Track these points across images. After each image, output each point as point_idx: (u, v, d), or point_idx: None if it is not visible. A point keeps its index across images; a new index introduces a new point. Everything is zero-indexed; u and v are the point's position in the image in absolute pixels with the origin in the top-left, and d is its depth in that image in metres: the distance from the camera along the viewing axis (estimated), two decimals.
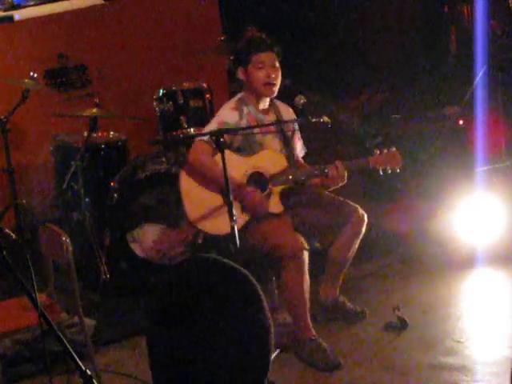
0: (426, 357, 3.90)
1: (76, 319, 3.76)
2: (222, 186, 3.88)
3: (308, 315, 4.00)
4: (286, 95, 4.29)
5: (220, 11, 6.58)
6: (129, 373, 3.94)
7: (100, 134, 5.32)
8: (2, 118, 4.95)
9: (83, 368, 1.99)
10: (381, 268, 5.08)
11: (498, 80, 5.73)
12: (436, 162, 5.66)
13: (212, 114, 5.19)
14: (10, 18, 5.93)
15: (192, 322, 1.42)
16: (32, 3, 6.13)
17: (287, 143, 4.28)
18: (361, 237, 4.22)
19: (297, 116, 4.37)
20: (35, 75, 5.08)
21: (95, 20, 6.21)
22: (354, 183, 5.67)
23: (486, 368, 3.76)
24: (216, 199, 4.07)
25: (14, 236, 4.88)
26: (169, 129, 5.14)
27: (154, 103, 5.18)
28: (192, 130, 5.10)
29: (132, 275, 4.84)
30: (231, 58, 5.63)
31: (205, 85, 5.26)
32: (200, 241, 4.43)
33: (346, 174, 4.11)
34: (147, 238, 4.92)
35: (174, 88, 5.17)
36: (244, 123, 4.11)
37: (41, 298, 3.54)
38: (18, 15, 5.97)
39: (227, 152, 3.89)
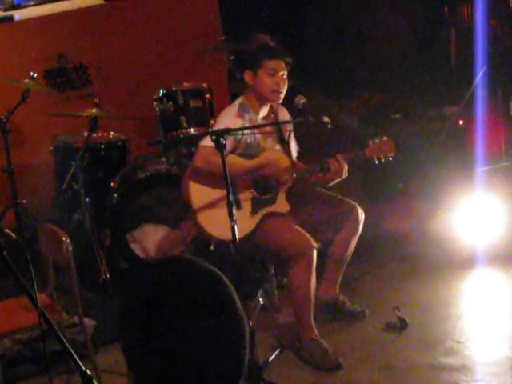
0: (426, 357, 3.90)
1: (76, 319, 3.76)
2: (237, 176, 3.90)
3: (312, 314, 4.02)
4: (286, 95, 4.28)
5: (220, 11, 6.57)
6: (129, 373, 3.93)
7: (100, 134, 5.32)
8: (2, 118, 4.95)
9: (83, 368, 1.98)
10: (381, 268, 5.09)
11: (497, 80, 5.73)
12: (436, 162, 5.67)
13: (212, 114, 5.19)
14: (10, 18, 5.93)
15: (165, 322, 1.42)
16: (32, 3, 6.13)
17: (285, 145, 4.29)
18: (358, 234, 4.25)
19: (297, 116, 4.36)
20: (35, 75, 5.07)
21: (95, 20, 6.21)
22: (354, 183, 5.69)
23: (485, 368, 3.76)
24: (224, 204, 4.07)
25: (14, 236, 4.87)
26: (169, 129, 5.14)
27: (154, 103, 5.18)
28: (192, 130, 5.10)
29: (132, 275, 4.84)
30: (232, 58, 5.64)
31: (205, 85, 5.26)
32: (212, 247, 4.43)
33: (347, 168, 4.12)
34: (147, 238, 4.92)
35: (173, 88, 5.17)
36: (247, 130, 4.11)
37: (41, 297, 3.54)
38: (18, 15, 5.97)
39: (232, 156, 3.91)
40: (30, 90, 4.96)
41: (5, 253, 2.22)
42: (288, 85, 4.19)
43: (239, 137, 4.06)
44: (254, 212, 4.08)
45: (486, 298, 4.60)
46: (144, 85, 6.02)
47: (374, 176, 5.94)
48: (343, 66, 7.52)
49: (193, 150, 5.08)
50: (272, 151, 4.20)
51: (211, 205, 4.08)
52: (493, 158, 5.49)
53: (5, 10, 6.02)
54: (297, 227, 4.07)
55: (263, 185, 4.15)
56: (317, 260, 4.01)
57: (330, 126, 4.03)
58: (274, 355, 3.94)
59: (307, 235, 4.00)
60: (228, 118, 4.13)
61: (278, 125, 4.24)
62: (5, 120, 4.95)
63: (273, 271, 4.45)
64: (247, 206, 4.04)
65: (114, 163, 5.19)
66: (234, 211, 3.56)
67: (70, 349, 2.07)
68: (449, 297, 4.61)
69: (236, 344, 1.47)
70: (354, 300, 4.48)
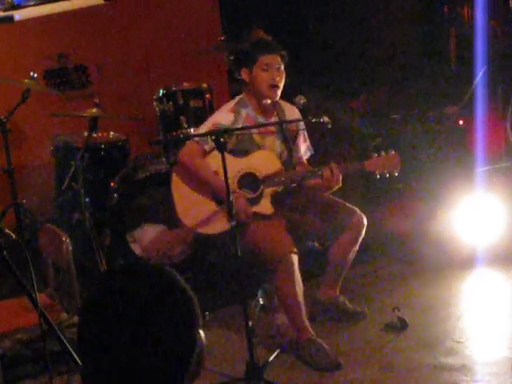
0: (426, 357, 3.90)
1: (76, 319, 3.75)
2: (212, 188, 3.91)
3: (304, 316, 3.99)
4: (286, 95, 4.28)
5: (220, 11, 6.57)
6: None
7: (100, 134, 5.32)
8: (2, 118, 4.94)
9: None
10: (381, 268, 5.09)
11: (497, 80, 5.73)
12: (436, 162, 5.66)
13: (212, 114, 5.19)
14: (10, 18, 5.92)
15: (119, 325, 1.45)
16: (32, 3, 6.12)
17: (288, 144, 4.27)
18: (360, 240, 4.21)
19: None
20: (35, 75, 5.07)
21: (95, 20, 6.21)
22: (354, 183, 5.69)
23: (485, 368, 3.76)
24: (206, 199, 4.09)
25: (14, 236, 4.87)
26: (169, 129, 5.14)
27: (154, 103, 5.18)
28: (192, 130, 5.10)
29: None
30: (232, 57, 5.63)
31: (205, 85, 5.26)
32: (190, 238, 4.44)
33: (340, 178, 4.07)
34: (147, 238, 4.92)
35: (174, 88, 5.17)
36: (239, 125, 4.09)
37: (41, 297, 3.54)
38: (18, 15, 5.96)
39: (211, 161, 3.92)
40: (29, 90, 4.96)
41: (5, 253, 2.22)
42: (287, 83, 4.18)
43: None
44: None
45: (486, 298, 4.60)
46: (144, 85, 6.02)
47: (374, 176, 5.93)
48: (343, 66, 7.51)
49: None
50: (262, 152, 4.17)
51: (191, 198, 4.10)
52: (493, 158, 5.49)
53: (5, 10, 6.02)
54: (277, 231, 4.01)
55: (249, 184, 4.13)
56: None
57: (329, 126, 4.02)
58: (273, 355, 3.93)
59: (285, 240, 3.95)
60: (220, 113, 4.17)
61: (277, 125, 4.23)
62: (5, 120, 4.95)
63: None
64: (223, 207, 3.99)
65: (114, 163, 5.19)
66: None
67: (70, 349, 2.08)
68: (449, 297, 4.61)
69: (187, 322, 1.49)
70: (354, 300, 4.48)
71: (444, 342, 4.03)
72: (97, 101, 4.93)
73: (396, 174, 4.11)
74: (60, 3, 6.15)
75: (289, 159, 4.27)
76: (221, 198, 4.01)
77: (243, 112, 4.14)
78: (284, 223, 4.13)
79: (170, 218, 4.88)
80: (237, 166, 4.09)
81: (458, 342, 4.03)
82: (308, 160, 4.41)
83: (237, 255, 3.57)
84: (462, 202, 5.03)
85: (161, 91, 5.17)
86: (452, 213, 5.03)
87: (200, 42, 6.22)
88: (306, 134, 4.37)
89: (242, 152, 4.13)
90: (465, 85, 5.85)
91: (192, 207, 4.11)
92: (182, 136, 5.11)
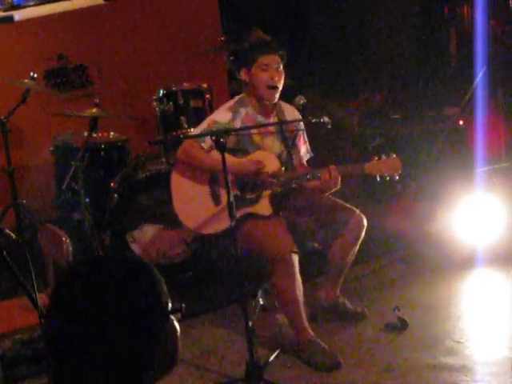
0: (426, 357, 3.90)
1: None
2: (213, 181, 3.91)
3: (303, 317, 3.99)
4: (286, 95, 4.28)
5: (220, 11, 6.57)
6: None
7: (100, 134, 5.32)
8: (2, 118, 4.95)
9: None
10: (381, 268, 5.08)
11: (497, 80, 5.73)
12: (436, 162, 5.66)
13: (212, 113, 5.19)
14: (10, 18, 5.92)
15: (86, 317, 1.46)
16: (32, 3, 6.12)
17: (287, 145, 4.27)
18: (360, 240, 4.20)
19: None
20: (35, 75, 5.07)
21: (95, 20, 6.21)
22: (354, 183, 5.69)
23: (485, 368, 3.76)
24: (204, 199, 4.09)
25: (14, 236, 4.88)
26: (169, 129, 5.14)
27: (154, 103, 5.18)
28: (192, 130, 5.09)
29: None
30: (231, 58, 5.64)
31: (205, 85, 5.26)
32: (189, 239, 4.44)
33: (340, 179, 4.04)
34: (147, 238, 4.92)
35: (174, 88, 5.17)
36: (237, 124, 4.08)
37: (41, 297, 3.53)
38: (18, 15, 5.96)
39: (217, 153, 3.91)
40: (29, 90, 4.96)
41: (5, 253, 2.22)
42: (287, 83, 4.18)
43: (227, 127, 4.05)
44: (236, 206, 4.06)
45: (486, 298, 4.60)
46: (144, 85, 6.02)
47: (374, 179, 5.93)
48: (343, 66, 7.51)
49: None
50: (262, 152, 4.16)
51: (189, 197, 4.10)
52: (493, 158, 5.49)
53: (5, 10, 6.02)
54: (277, 231, 4.01)
55: (247, 184, 4.13)
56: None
57: (329, 126, 4.02)
58: (274, 355, 3.93)
59: (286, 239, 3.95)
60: (218, 111, 4.18)
61: (277, 125, 4.23)
62: (5, 120, 4.95)
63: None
64: (226, 202, 3.97)
65: (114, 163, 5.19)
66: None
67: None
68: (449, 297, 4.61)
69: (152, 309, 1.50)
70: (354, 300, 4.48)
71: (444, 342, 4.03)
72: (97, 101, 4.93)
73: (397, 178, 4.08)
74: (60, 3, 6.15)
75: (288, 160, 4.26)
76: (218, 196, 4.03)
77: (242, 111, 4.13)
78: (284, 224, 4.12)
79: (169, 218, 4.88)
80: None
81: (458, 342, 4.03)
82: (308, 162, 4.40)
83: (237, 255, 3.57)
84: (462, 202, 5.03)
85: (161, 91, 5.17)
86: (452, 213, 5.03)
87: (200, 42, 6.22)
88: (305, 135, 4.36)
89: (241, 151, 4.13)
90: (465, 85, 5.84)
91: (191, 207, 4.11)
92: (181, 136, 5.11)
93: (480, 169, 5.27)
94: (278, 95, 4.13)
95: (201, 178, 4.13)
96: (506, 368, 3.71)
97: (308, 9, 7.68)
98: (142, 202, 4.95)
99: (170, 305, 1.53)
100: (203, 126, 4.09)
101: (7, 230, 4.95)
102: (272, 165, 4.12)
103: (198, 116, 5.12)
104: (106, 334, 1.45)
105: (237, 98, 4.22)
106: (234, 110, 4.12)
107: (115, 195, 4.92)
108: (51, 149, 5.31)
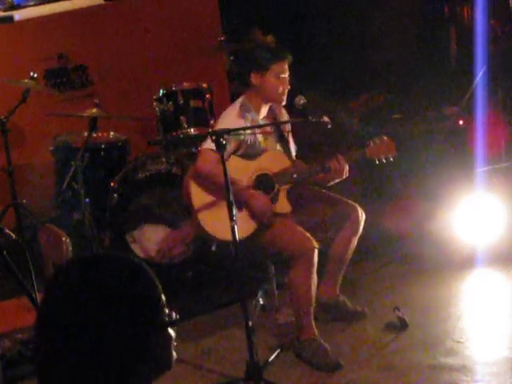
0: (426, 357, 3.90)
1: None
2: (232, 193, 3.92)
3: (312, 315, 4.02)
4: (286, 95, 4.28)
5: (220, 11, 6.57)
6: None
7: (100, 134, 5.32)
8: (2, 118, 4.95)
9: None
10: (381, 268, 5.08)
11: (497, 80, 5.73)
12: (436, 162, 5.66)
13: (212, 114, 5.19)
14: (10, 18, 5.93)
15: (82, 316, 1.45)
16: (32, 3, 6.12)
17: (285, 144, 4.29)
18: (359, 234, 4.24)
19: (297, 116, 4.36)
20: (35, 75, 5.07)
21: (95, 20, 6.21)
22: (353, 183, 5.69)
23: (485, 368, 3.76)
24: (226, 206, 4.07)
25: (14, 236, 4.87)
26: (169, 129, 5.14)
27: (154, 103, 5.18)
28: (192, 130, 5.10)
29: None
30: (231, 58, 5.64)
31: (205, 85, 5.26)
32: (214, 248, 4.43)
33: (348, 168, 4.13)
34: (147, 238, 4.92)
35: (174, 88, 5.17)
36: (248, 131, 4.11)
37: (41, 298, 3.54)
38: (18, 15, 5.96)
39: (233, 157, 3.91)
40: (29, 90, 4.96)
41: (5, 253, 2.22)
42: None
43: (241, 137, 4.07)
44: (252, 217, 4.07)
45: (486, 298, 4.60)
46: (144, 85, 6.02)
47: (374, 176, 5.94)
48: (343, 66, 7.51)
49: (193, 149, 5.08)
50: (272, 152, 4.20)
51: (212, 206, 4.08)
52: (493, 158, 5.49)
53: (5, 10, 6.02)
54: (298, 227, 4.07)
55: (265, 184, 4.14)
56: (317, 261, 4.00)
57: (329, 126, 4.03)
58: (274, 355, 3.93)
59: (308, 235, 4.00)
60: (230, 119, 4.12)
61: (279, 125, 4.24)
62: (5, 120, 4.95)
63: (273, 271, 4.45)
64: (246, 210, 4.02)
65: (114, 163, 5.19)
66: (235, 212, 3.56)
67: None
68: (449, 297, 4.61)
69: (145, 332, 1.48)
70: (354, 300, 4.48)
71: (444, 342, 4.03)
72: (97, 101, 4.93)
73: (391, 159, 4.16)
74: (60, 3, 6.15)
75: (289, 157, 4.28)
76: (240, 203, 4.02)
77: (249, 116, 4.14)
78: (295, 219, 4.16)
79: (170, 218, 4.89)
80: (250, 168, 4.11)
81: (458, 341, 4.03)
82: (296, 157, 4.42)
83: (237, 255, 3.57)
84: (462, 202, 5.03)
85: (161, 91, 5.17)
86: (452, 213, 5.03)
87: (200, 42, 6.22)
88: (290, 132, 4.41)
89: (252, 155, 4.15)
90: (465, 85, 5.84)
91: (215, 216, 4.07)
92: (181, 136, 5.11)
93: (480, 169, 5.27)
94: (285, 97, 4.18)
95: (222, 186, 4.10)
96: (506, 368, 3.71)
97: (308, 8, 7.67)
98: (142, 202, 4.94)
99: (166, 311, 1.52)
100: None
101: (7, 230, 4.94)
102: (282, 162, 4.17)
103: (198, 116, 5.12)
104: (98, 335, 1.44)
105: (239, 102, 4.19)
106: (243, 117, 4.13)
107: (115, 195, 4.92)
108: (51, 149, 5.31)
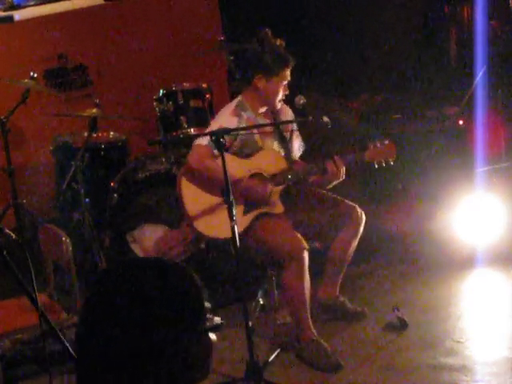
0: (426, 357, 3.90)
1: (76, 319, 3.76)
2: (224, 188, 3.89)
3: (309, 315, 4.01)
4: (286, 95, 4.28)
5: (220, 11, 6.57)
6: None
7: (100, 134, 5.32)
8: (2, 118, 4.95)
9: None
10: (381, 268, 5.08)
11: (497, 80, 5.73)
12: (436, 162, 5.66)
13: (212, 114, 5.19)
14: (10, 18, 5.93)
15: (125, 321, 1.43)
16: (32, 3, 6.12)
17: (285, 144, 4.28)
18: (359, 236, 4.24)
19: (296, 116, 4.37)
20: (35, 75, 5.08)
21: (95, 20, 6.21)
22: (353, 183, 5.69)
23: (486, 368, 3.76)
24: (218, 203, 4.07)
25: (14, 236, 4.88)
26: (169, 129, 5.14)
27: (154, 103, 5.18)
28: (192, 130, 5.10)
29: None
30: (231, 58, 5.64)
31: (205, 85, 5.26)
32: (203, 245, 4.43)
33: (344, 170, 4.11)
34: (147, 238, 4.92)
35: (174, 88, 5.17)
36: None
37: (41, 297, 3.54)
38: (18, 15, 5.96)
39: (227, 155, 3.90)
40: (29, 90, 4.96)
41: (5, 253, 2.22)
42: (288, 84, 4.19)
43: (233, 135, 4.06)
44: (246, 211, 4.07)
45: (486, 298, 4.60)
46: (144, 85, 6.02)
47: (374, 176, 5.94)
48: (343, 66, 7.51)
49: None
50: (268, 151, 4.18)
51: (202, 203, 4.09)
52: (493, 158, 5.49)
53: (5, 10, 6.02)
54: (289, 228, 4.05)
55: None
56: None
57: (329, 126, 4.03)
58: (273, 355, 3.93)
59: (299, 236, 3.98)
60: (223, 117, 4.14)
61: (276, 125, 4.24)
62: (5, 120, 4.95)
63: (273, 271, 4.45)
64: (239, 206, 4.00)
65: (114, 163, 5.19)
66: (234, 211, 3.56)
67: (70, 349, 2.07)
68: (449, 297, 4.61)
69: (191, 318, 1.47)
70: (354, 300, 4.48)
71: (444, 342, 4.03)
72: (97, 101, 4.93)
73: (391, 163, 4.16)
74: (60, 3, 6.15)
75: (287, 158, 4.27)
76: (238, 192, 4.02)
77: (244, 115, 4.14)
78: (290, 221, 4.14)
79: (170, 218, 4.89)
80: (245, 166, 4.11)
81: (458, 341, 4.03)
82: (301, 157, 4.42)
83: (236, 255, 3.57)
84: (462, 202, 5.03)
85: (161, 91, 5.17)
86: (452, 213, 5.03)
87: (200, 42, 6.22)
88: (297, 131, 4.39)
89: (246, 154, 4.14)
90: (465, 85, 5.84)
91: (205, 213, 4.08)
92: (181, 136, 5.11)
93: (480, 169, 5.27)
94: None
95: (210, 183, 4.11)
96: (506, 368, 3.71)
97: (308, 8, 7.68)
98: (142, 202, 4.94)
99: (207, 316, 1.51)
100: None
101: (7, 230, 4.95)
102: (278, 162, 4.15)
103: (198, 116, 5.12)
104: (141, 339, 1.42)
105: (235, 101, 4.20)
106: (238, 115, 4.13)
107: (115, 195, 4.91)
108: (51, 149, 5.31)
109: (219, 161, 3.86)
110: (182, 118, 5.09)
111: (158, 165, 5.00)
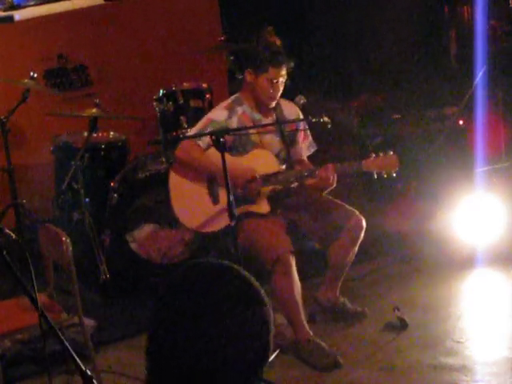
0: (426, 357, 3.90)
1: (76, 319, 3.76)
2: (212, 177, 3.90)
3: (302, 317, 3.99)
4: (286, 95, 4.28)
5: (220, 11, 6.57)
6: (129, 373, 3.94)
7: (100, 134, 5.32)
8: (2, 118, 4.95)
9: (83, 368, 1.98)
10: (381, 268, 5.08)
11: (497, 80, 5.73)
12: (436, 162, 5.66)
13: None
14: (10, 18, 5.92)
15: (193, 324, 1.45)
16: (32, 3, 6.12)
17: (287, 143, 4.27)
18: (359, 242, 4.20)
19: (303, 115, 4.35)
20: (35, 75, 5.07)
21: (95, 20, 6.20)
22: (354, 183, 5.69)
23: (486, 368, 3.76)
24: (202, 197, 4.09)
25: (14, 236, 4.88)
26: (169, 129, 5.14)
27: (154, 103, 5.18)
28: (191, 129, 5.09)
29: (132, 275, 4.84)
30: (231, 58, 5.64)
31: (205, 85, 5.26)
32: (189, 240, 4.45)
33: (336, 178, 4.07)
34: (147, 238, 4.92)
35: (174, 88, 5.17)
36: (234, 122, 4.11)
37: (41, 298, 3.53)
38: (18, 15, 5.96)
39: (217, 151, 3.90)
40: (29, 90, 4.96)
41: (5, 253, 2.22)
42: (288, 84, 4.19)
43: (223, 125, 4.06)
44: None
45: (486, 298, 4.60)
46: (144, 85, 6.01)
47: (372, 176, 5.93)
48: (343, 66, 7.51)
49: None
50: (259, 151, 4.17)
51: (187, 196, 4.11)
52: (493, 158, 5.49)
53: (5, 10, 6.02)
54: (274, 230, 4.03)
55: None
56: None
57: (329, 126, 4.03)
58: (273, 355, 3.93)
59: (283, 238, 3.97)
60: (215, 111, 4.22)
61: (277, 125, 4.24)
62: (5, 120, 4.95)
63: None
64: (225, 201, 3.95)
65: (114, 163, 5.18)
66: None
67: (70, 349, 2.07)
68: (449, 297, 4.61)
69: (261, 338, 1.49)
70: (354, 300, 4.48)
71: (444, 342, 4.03)
72: (97, 101, 4.93)
73: (394, 175, 4.11)
74: (60, 3, 6.14)
75: (287, 158, 4.27)
76: (216, 197, 4.03)
77: (239, 109, 4.15)
78: (283, 223, 4.13)
79: (169, 218, 4.89)
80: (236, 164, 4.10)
81: (458, 342, 4.03)
82: (309, 159, 4.41)
83: (236, 254, 3.57)
84: (462, 202, 5.02)
85: (161, 91, 5.16)
86: (452, 213, 5.03)
87: (200, 41, 6.21)
88: (308, 131, 4.36)
89: (239, 150, 4.14)
90: (465, 85, 5.84)
91: (189, 206, 4.12)
92: (181, 136, 5.11)
93: (480, 169, 5.27)
94: (275, 101, 4.16)
95: (199, 177, 4.14)
96: (506, 368, 3.71)
97: (308, 8, 7.68)
98: (142, 202, 4.94)
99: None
100: (200, 125, 4.14)
101: (7, 230, 4.94)
102: (269, 163, 4.14)
103: (198, 116, 5.10)
104: (214, 344, 1.44)
105: (233, 96, 4.25)
106: (231, 109, 4.15)
107: (115, 195, 4.91)
108: (51, 149, 5.31)
109: (206, 153, 3.90)
110: (181, 118, 5.09)
111: (157, 165, 5.00)
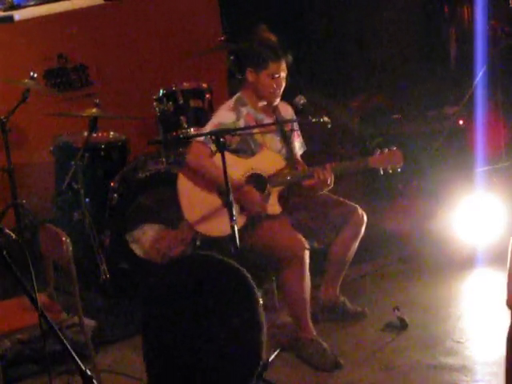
0: (426, 357, 3.90)
1: (76, 319, 3.76)
2: (221, 188, 3.89)
3: (308, 315, 4.01)
4: (286, 95, 4.28)
5: (220, 11, 6.57)
6: (129, 373, 3.94)
7: (100, 134, 5.32)
8: (2, 118, 4.95)
9: (83, 368, 1.98)
10: (381, 268, 5.08)
11: (497, 80, 5.73)
12: (436, 162, 5.66)
13: (212, 114, 5.19)
14: (10, 18, 5.92)
15: (187, 317, 1.44)
16: (32, 3, 6.12)
17: (287, 143, 4.28)
18: (360, 237, 4.23)
19: (296, 116, 4.37)
20: (35, 75, 5.07)
21: (95, 20, 6.20)
22: (354, 183, 5.69)
23: (485, 368, 3.76)
24: (214, 201, 4.08)
25: (14, 236, 4.88)
26: (169, 129, 5.14)
27: (154, 103, 5.18)
28: (192, 130, 5.09)
29: (132, 275, 4.84)
30: (231, 58, 5.64)
31: (205, 85, 5.26)
32: (198, 243, 4.44)
33: (333, 179, 4.08)
34: (147, 238, 4.92)
35: (174, 88, 5.17)
36: (241, 123, 4.11)
37: (41, 298, 3.54)
38: (18, 15, 5.96)
39: (225, 153, 3.90)
40: (29, 90, 4.96)
41: (5, 253, 2.22)
42: (288, 84, 4.19)
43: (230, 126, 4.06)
44: (242, 210, 4.07)
45: (485, 298, 4.60)
46: (144, 85, 6.01)
47: (374, 176, 5.93)
48: (343, 66, 7.51)
49: None
50: (267, 152, 4.18)
51: (198, 199, 4.10)
52: (493, 158, 5.49)
53: (5, 10, 6.02)
54: (288, 228, 4.05)
55: (256, 184, 4.13)
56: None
57: (329, 126, 4.03)
58: (273, 355, 3.93)
59: (298, 236, 3.98)
60: (221, 113, 4.18)
61: (278, 125, 4.24)
62: (5, 120, 4.95)
63: (272, 271, 4.45)
64: (235, 204, 3.96)
65: (114, 163, 5.19)
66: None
67: (70, 349, 2.07)
68: (449, 297, 4.61)
69: (254, 337, 1.49)
70: (354, 300, 4.48)
71: (444, 342, 4.03)
72: (97, 101, 4.93)
73: (399, 170, 4.14)
74: (60, 3, 6.15)
75: (289, 157, 4.28)
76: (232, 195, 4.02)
77: (243, 110, 4.15)
78: (289, 221, 4.14)
79: (169, 218, 4.89)
80: (243, 166, 4.11)
81: (458, 342, 4.03)
82: (301, 156, 4.42)
83: (236, 254, 3.57)
84: (462, 202, 5.03)
85: (161, 91, 5.16)
86: (452, 213, 5.03)
87: (200, 42, 6.21)
88: (298, 131, 4.39)
89: (246, 151, 4.14)
90: (465, 85, 5.84)
91: (201, 211, 4.09)
92: (181, 136, 5.11)
93: (480, 169, 5.27)
94: (279, 98, 4.17)
95: (210, 182, 4.11)
96: None
97: (308, 8, 7.68)
98: (142, 202, 4.94)
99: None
100: (208, 129, 4.08)
101: (7, 230, 4.95)
102: (277, 164, 4.16)
103: (198, 116, 5.12)
104: (208, 341, 1.44)
105: (235, 97, 4.23)
106: (236, 110, 4.14)
107: (115, 195, 4.92)
108: (51, 149, 5.31)
109: (216, 159, 3.88)
110: (181, 117, 5.09)
111: (157, 165, 5.00)
